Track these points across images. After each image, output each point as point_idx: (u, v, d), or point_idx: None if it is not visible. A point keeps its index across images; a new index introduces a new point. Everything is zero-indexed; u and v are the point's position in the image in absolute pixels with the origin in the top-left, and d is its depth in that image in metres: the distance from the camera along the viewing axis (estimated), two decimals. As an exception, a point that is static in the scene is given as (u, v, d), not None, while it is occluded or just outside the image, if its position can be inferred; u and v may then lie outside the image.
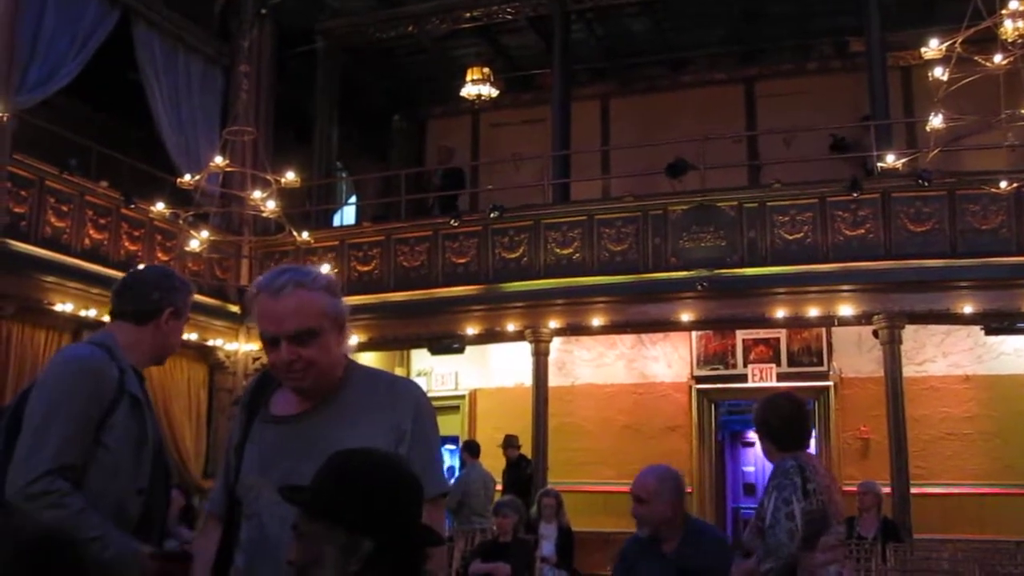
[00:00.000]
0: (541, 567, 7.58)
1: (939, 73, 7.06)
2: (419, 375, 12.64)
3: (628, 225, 10.27)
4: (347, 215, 14.35)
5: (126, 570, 2.39)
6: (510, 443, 10.51)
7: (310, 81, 12.65)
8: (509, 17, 12.31)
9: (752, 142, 12.87)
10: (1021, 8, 6.50)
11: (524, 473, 10.25)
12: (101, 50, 9.67)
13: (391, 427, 2.13)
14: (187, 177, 8.96)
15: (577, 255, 10.37)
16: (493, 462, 10.36)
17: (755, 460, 12.79)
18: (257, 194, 8.98)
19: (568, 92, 12.00)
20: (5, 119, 8.31)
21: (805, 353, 11.44)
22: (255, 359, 10.91)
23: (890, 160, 8.55)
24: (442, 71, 13.70)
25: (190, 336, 9.95)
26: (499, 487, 10.15)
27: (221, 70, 11.56)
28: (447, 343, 10.98)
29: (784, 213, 9.79)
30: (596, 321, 10.37)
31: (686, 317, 10.12)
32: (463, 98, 12.44)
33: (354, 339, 8.52)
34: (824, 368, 11.34)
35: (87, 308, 9.02)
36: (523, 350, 10.85)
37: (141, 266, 7.17)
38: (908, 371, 9.86)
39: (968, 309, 9.29)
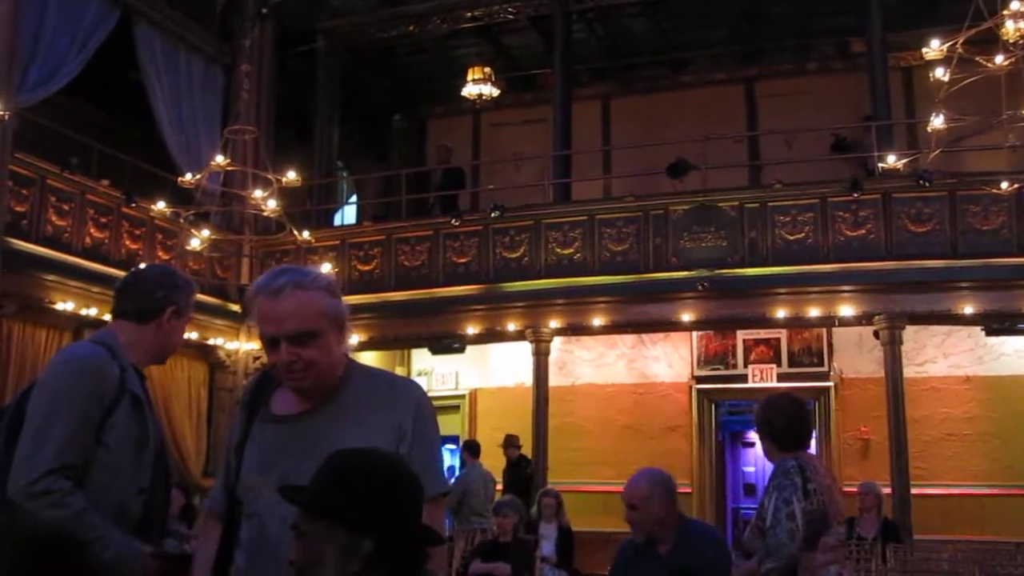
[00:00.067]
0: (541, 567, 7.57)
1: (940, 74, 7.06)
2: (419, 375, 12.64)
3: (629, 225, 10.27)
4: (348, 214, 14.36)
5: (127, 570, 2.40)
6: (510, 443, 10.50)
7: (311, 80, 12.66)
8: (510, 17, 12.30)
9: (753, 142, 12.87)
10: (1022, 9, 6.50)
11: (524, 473, 10.24)
12: (102, 49, 9.67)
13: (392, 427, 2.13)
14: (188, 176, 8.97)
15: (578, 255, 10.37)
16: (493, 462, 10.36)
17: (755, 460, 12.78)
18: (258, 193, 8.99)
19: (569, 92, 12.00)
20: (6, 118, 8.30)
21: (806, 353, 11.43)
22: (255, 358, 10.90)
23: (891, 160, 8.54)
24: (443, 71, 13.69)
25: (191, 335, 9.94)
26: (499, 487, 10.14)
27: (222, 69, 11.57)
28: (448, 343, 10.98)
29: (785, 213, 9.79)
30: (597, 321, 10.37)
31: (687, 317, 10.12)
32: (464, 98, 12.45)
33: (354, 339, 8.58)
34: (825, 368, 11.34)
35: (88, 307, 9.02)
36: (523, 350, 10.85)
37: (143, 265, 7.15)
38: (909, 372, 9.85)
39: (969, 310, 9.29)
